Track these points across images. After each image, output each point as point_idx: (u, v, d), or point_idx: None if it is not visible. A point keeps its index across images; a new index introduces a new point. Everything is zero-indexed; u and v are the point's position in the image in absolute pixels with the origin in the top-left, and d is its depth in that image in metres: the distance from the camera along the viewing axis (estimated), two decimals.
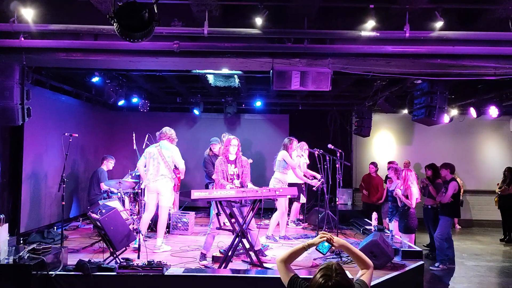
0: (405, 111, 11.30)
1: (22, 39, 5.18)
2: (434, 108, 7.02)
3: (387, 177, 8.89)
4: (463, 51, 5.41)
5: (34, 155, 7.75)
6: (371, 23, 5.01)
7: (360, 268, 2.66)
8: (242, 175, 6.15)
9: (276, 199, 7.28)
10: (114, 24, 3.58)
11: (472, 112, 9.73)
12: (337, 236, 6.88)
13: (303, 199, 8.75)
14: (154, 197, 6.79)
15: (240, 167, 6.16)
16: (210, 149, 8.49)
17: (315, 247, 2.69)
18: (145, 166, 6.96)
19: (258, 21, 4.94)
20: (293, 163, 7.81)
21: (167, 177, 6.78)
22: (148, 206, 6.87)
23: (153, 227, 7.97)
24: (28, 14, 4.81)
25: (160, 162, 6.75)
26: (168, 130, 7.03)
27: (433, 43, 5.30)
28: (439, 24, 4.96)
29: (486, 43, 5.31)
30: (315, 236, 7.95)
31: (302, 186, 8.43)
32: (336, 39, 5.44)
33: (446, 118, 8.41)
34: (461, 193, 9.64)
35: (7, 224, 4.99)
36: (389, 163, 9.31)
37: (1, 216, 5.02)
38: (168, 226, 7.88)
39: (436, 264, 7.13)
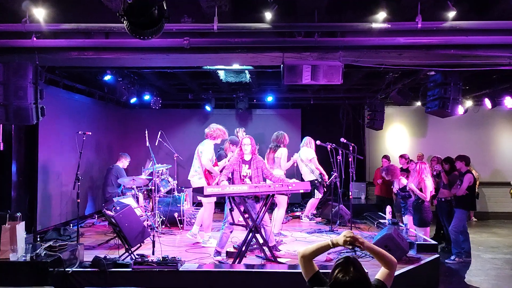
0: (418, 103, 11.21)
1: (35, 39, 5.23)
2: (448, 100, 6.92)
3: (401, 169, 8.81)
4: (477, 41, 5.31)
5: (49, 154, 7.84)
6: (382, 15, 4.95)
7: (384, 266, 2.53)
8: (256, 176, 6.09)
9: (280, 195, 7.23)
10: (124, 22, 3.58)
11: (487, 103, 9.59)
12: (351, 230, 6.87)
13: (318, 195, 8.73)
14: None
15: (255, 169, 6.11)
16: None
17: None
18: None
19: (268, 15, 4.91)
20: (288, 164, 7.75)
21: (201, 174, 6.86)
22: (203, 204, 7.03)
23: (167, 223, 8.05)
24: (40, 14, 4.85)
25: (196, 158, 6.91)
26: (207, 129, 7.06)
27: (446, 34, 5.21)
28: (451, 14, 4.87)
29: (501, 32, 5.21)
30: (328, 231, 7.98)
31: (316, 182, 8.40)
32: (347, 31, 5.39)
33: (460, 110, 8.29)
34: (476, 186, 9.53)
35: (23, 222, 5.08)
36: (400, 156, 9.24)
37: (18, 214, 5.11)
38: (181, 222, 7.94)
39: (452, 257, 7.06)
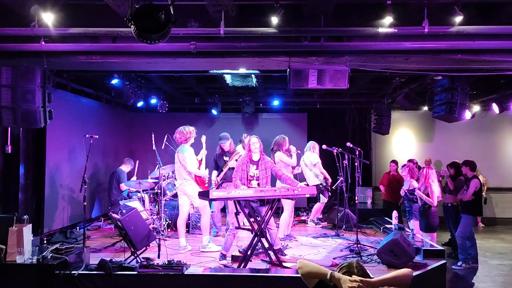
0: (425, 108, 11.16)
1: (43, 43, 5.29)
2: (455, 105, 6.89)
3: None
4: (483, 46, 5.29)
5: (56, 157, 7.90)
6: (388, 19, 4.95)
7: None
8: (264, 177, 6.11)
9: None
10: (131, 26, 3.62)
11: (495, 107, 9.54)
12: (357, 235, 6.84)
13: (323, 199, 8.71)
14: (183, 199, 6.83)
15: (262, 169, 6.12)
16: (220, 147, 8.06)
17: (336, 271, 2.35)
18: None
19: (274, 20, 4.93)
20: (291, 161, 7.75)
21: (190, 180, 6.79)
22: (180, 208, 6.95)
23: (173, 227, 8.06)
24: (48, 18, 4.89)
25: (180, 166, 6.81)
26: (177, 133, 6.91)
27: (453, 38, 5.20)
28: (458, 18, 4.86)
29: (508, 37, 5.18)
30: (334, 235, 7.95)
31: (321, 186, 8.38)
32: (353, 36, 5.39)
33: (467, 115, 8.25)
34: (483, 191, 9.46)
35: (30, 224, 5.09)
36: (409, 161, 9.19)
37: (25, 216, 5.13)
38: (187, 226, 7.94)
39: (459, 263, 7.01)
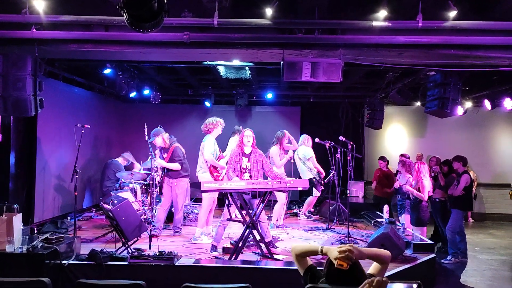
0: (418, 103, 11.20)
1: (34, 30, 5.20)
2: (447, 100, 6.93)
3: (398, 170, 8.79)
4: (477, 41, 5.30)
5: (47, 146, 7.83)
6: (383, 13, 4.94)
7: (379, 263, 2.53)
8: (256, 170, 6.11)
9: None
10: (124, 14, 3.57)
11: (487, 104, 9.60)
12: (348, 229, 6.87)
13: (316, 193, 8.74)
14: None
15: (254, 162, 6.12)
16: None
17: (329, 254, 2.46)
18: None
19: (268, 11, 4.90)
20: (279, 163, 7.75)
21: (205, 168, 6.84)
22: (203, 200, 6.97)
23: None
24: (39, 5, 4.83)
25: (200, 155, 6.89)
26: (203, 124, 7.06)
27: (447, 33, 5.20)
28: (452, 13, 4.86)
29: (501, 33, 5.20)
30: (325, 229, 7.96)
31: (314, 180, 8.40)
32: (348, 29, 5.37)
33: (459, 110, 8.29)
34: (474, 186, 9.52)
35: (21, 214, 5.07)
36: (401, 155, 9.20)
37: (15, 206, 5.10)
38: None
39: (448, 258, 7.07)
